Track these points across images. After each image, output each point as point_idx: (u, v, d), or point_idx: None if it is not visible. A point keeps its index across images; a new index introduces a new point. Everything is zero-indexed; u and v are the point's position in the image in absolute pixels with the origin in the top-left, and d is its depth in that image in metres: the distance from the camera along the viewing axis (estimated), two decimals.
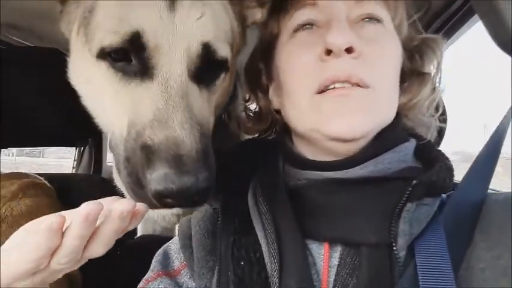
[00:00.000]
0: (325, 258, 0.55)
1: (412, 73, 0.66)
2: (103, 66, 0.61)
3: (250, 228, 0.59)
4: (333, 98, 0.56)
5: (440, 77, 0.68)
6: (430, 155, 0.60)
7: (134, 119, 0.58)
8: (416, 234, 0.52)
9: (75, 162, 1.85)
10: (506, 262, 0.47)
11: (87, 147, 1.82)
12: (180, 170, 0.51)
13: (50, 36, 1.64)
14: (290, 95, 0.62)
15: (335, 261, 0.55)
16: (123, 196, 0.73)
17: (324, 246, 0.56)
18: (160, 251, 0.73)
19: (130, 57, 0.59)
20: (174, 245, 0.72)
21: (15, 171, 1.00)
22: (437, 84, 0.68)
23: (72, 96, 1.10)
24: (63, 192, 1.05)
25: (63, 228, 0.43)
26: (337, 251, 0.55)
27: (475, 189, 0.58)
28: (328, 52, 0.56)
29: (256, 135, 0.78)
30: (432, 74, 0.67)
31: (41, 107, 1.04)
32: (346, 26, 0.57)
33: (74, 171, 1.89)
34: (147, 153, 0.53)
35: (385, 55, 0.58)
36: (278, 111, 0.70)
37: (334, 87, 0.56)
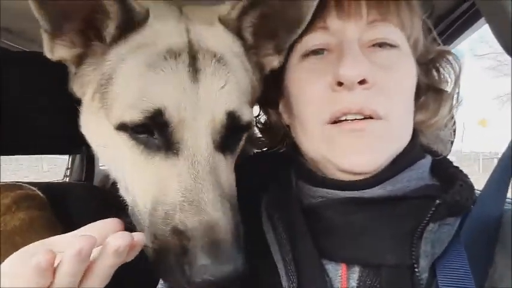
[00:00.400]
0: (343, 279, 0.53)
1: (429, 88, 0.63)
2: (123, 137, 0.57)
3: (265, 249, 0.57)
4: (347, 132, 0.54)
5: (459, 92, 0.65)
6: (446, 171, 0.59)
7: (160, 197, 0.54)
8: (438, 254, 0.50)
9: (67, 171, 1.80)
10: None
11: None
12: (219, 259, 0.49)
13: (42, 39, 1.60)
14: (301, 122, 0.61)
15: (353, 283, 0.53)
16: (119, 206, 0.70)
17: (342, 267, 0.54)
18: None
19: (153, 132, 0.56)
20: None
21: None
22: (454, 101, 0.65)
23: (66, 104, 1.07)
24: (57, 202, 1.02)
25: (55, 264, 0.39)
26: (356, 272, 0.53)
27: (492, 206, 0.56)
28: (340, 84, 0.54)
29: (265, 149, 0.75)
30: (450, 90, 0.64)
31: (36, 115, 1.01)
32: (359, 53, 0.54)
33: (66, 179, 1.84)
34: (181, 239, 0.50)
35: (398, 82, 0.56)
36: (288, 126, 0.68)
37: (346, 119, 0.54)
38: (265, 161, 0.70)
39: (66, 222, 1.00)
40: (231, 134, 0.58)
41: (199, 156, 0.54)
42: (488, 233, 0.53)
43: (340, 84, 0.53)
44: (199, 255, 0.48)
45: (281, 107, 0.68)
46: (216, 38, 0.61)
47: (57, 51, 0.61)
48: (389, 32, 0.57)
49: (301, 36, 0.61)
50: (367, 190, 0.55)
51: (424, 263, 0.49)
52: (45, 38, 0.61)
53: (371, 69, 0.53)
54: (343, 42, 0.56)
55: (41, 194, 0.94)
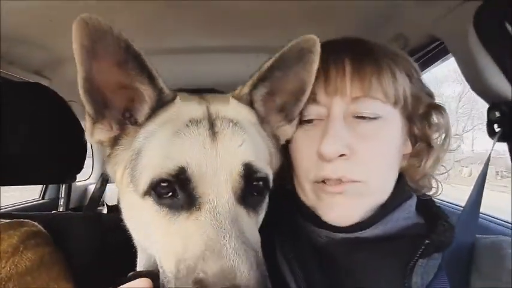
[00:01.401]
0: None
1: (422, 139, 0.72)
2: (149, 203, 0.61)
3: (283, 284, 0.64)
4: (329, 193, 0.64)
5: (449, 141, 0.73)
6: (431, 210, 0.69)
7: (183, 254, 0.55)
8: (426, 284, 0.60)
9: (61, 200, 1.77)
10: None
11: None
12: None
13: (22, 60, 1.58)
14: (297, 176, 0.71)
15: None
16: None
17: None
18: None
19: (176, 190, 0.59)
20: None
21: None
22: (447, 148, 0.73)
23: (61, 132, 1.08)
24: (55, 234, 1.03)
25: None
26: None
27: (466, 235, 0.67)
28: (322, 155, 0.63)
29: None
30: (440, 142, 0.72)
31: (31, 145, 1.02)
32: (340, 130, 0.63)
33: (61, 209, 1.81)
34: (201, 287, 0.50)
35: (378, 150, 0.65)
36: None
37: (330, 183, 0.64)
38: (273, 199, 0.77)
39: (67, 254, 1.02)
40: (250, 186, 0.61)
41: (220, 208, 0.56)
42: (465, 261, 0.63)
43: (322, 155, 0.63)
44: None
45: (290, 149, 0.76)
46: (232, 110, 0.68)
47: (97, 134, 0.67)
48: (372, 105, 0.65)
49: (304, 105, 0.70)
50: (362, 231, 0.64)
51: None
52: (87, 123, 0.67)
53: (352, 141, 0.62)
54: (330, 116, 0.65)
55: (44, 230, 0.96)
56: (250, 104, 0.71)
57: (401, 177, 0.70)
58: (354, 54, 0.68)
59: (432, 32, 1.13)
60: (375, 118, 0.65)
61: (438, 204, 0.71)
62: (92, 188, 2.64)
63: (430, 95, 0.75)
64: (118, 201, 0.74)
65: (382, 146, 0.66)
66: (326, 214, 0.65)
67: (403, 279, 0.59)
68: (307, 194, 0.69)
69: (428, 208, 0.70)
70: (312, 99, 0.68)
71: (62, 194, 2.27)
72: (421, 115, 0.72)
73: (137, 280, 0.50)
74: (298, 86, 0.69)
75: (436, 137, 0.72)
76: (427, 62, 1.34)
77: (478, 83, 0.92)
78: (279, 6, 1.21)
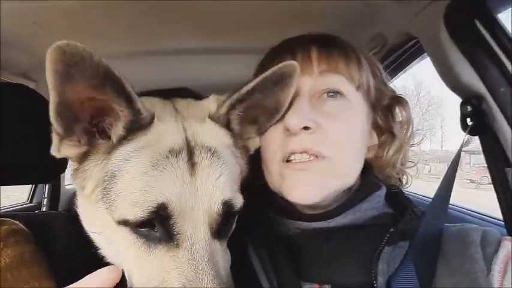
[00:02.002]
0: None
1: (386, 130, 0.75)
2: (124, 231, 0.61)
3: (254, 276, 0.66)
4: (294, 170, 0.66)
5: (412, 131, 0.76)
6: (400, 202, 0.71)
7: (161, 286, 0.56)
8: (392, 272, 0.61)
9: (45, 200, 1.77)
10: None
11: None
12: None
13: (8, 63, 1.58)
14: (264, 161, 0.72)
15: None
16: None
17: (315, 287, 0.64)
18: None
19: (155, 224, 0.59)
20: None
21: None
22: (410, 139, 0.76)
23: (44, 132, 1.09)
24: (39, 234, 1.03)
25: None
26: None
27: (434, 224, 0.69)
28: (288, 130, 0.65)
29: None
30: (403, 132, 0.75)
31: (16, 145, 1.02)
32: (306, 104, 0.65)
33: (45, 208, 1.81)
34: None
35: (342, 129, 0.67)
36: None
37: (295, 159, 0.65)
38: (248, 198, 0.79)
39: (49, 253, 1.03)
40: (225, 221, 0.62)
41: (197, 246, 0.57)
42: (433, 249, 0.65)
43: (288, 130, 0.65)
44: None
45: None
46: (209, 134, 0.67)
47: (64, 150, 0.64)
48: (338, 81, 0.68)
49: None
50: (331, 220, 0.65)
51: (381, 280, 0.59)
52: (54, 139, 0.64)
53: (317, 118, 0.64)
54: (296, 95, 0.67)
55: (25, 229, 0.96)
56: (227, 124, 0.71)
57: (369, 168, 0.72)
58: (321, 43, 0.71)
59: (408, 30, 1.16)
60: (339, 94, 0.68)
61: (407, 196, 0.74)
62: None
63: (393, 91, 0.78)
64: (75, 206, 0.74)
65: (347, 126, 0.68)
66: (290, 192, 0.66)
67: (370, 267, 0.60)
68: (274, 177, 0.70)
69: (398, 199, 0.72)
70: None
71: (45, 194, 2.27)
72: (385, 106, 0.75)
73: (105, 268, 0.50)
74: (274, 105, 0.71)
75: (399, 127, 0.75)
76: (405, 61, 1.37)
77: (450, 79, 0.95)
78: (260, 6, 1.23)
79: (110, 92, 0.58)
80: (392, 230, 0.62)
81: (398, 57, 1.36)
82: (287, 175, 0.66)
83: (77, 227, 1.18)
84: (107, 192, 0.62)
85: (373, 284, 0.60)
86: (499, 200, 0.87)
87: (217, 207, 0.60)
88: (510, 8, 0.89)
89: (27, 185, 2.29)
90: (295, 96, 0.67)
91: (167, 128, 0.65)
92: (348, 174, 0.68)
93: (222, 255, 0.62)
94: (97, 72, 0.54)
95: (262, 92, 0.69)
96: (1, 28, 1.23)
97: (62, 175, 1.94)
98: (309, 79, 0.68)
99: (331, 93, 0.68)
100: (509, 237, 0.64)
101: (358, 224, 0.66)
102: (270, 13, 1.28)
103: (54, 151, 0.65)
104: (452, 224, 0.70)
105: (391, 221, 0.65)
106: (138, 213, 0.57)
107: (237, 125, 0.73)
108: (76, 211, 0.95)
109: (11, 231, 0.90)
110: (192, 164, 0.61)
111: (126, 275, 0.63)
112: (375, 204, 0.69)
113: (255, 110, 0.72)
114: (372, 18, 1.26)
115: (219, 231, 0.62)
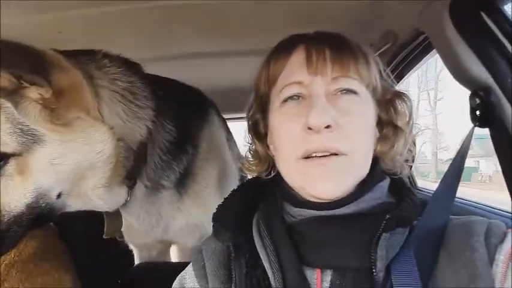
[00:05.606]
0: (318, 282, 0.66)
1: (388, 124, 0.76)
2: None
3: (258, 260, 0.68)
4: (315, 166, 0.67)
5: (412, 124, 0.78)
6: (401, 191, 0.72)
7: None
8: (391, 258, 0.62)
9: None
10: (461, 278, 0.58)
11: None
12: None
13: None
14: (281, 155, 0.73)
15: (326, 284, 0.65)
16: None
17: (317, 272, 0.67)
18: (176, 280, 0.81)
19: None
20: (188, 275, 0.79)
21: None
22: (411, 132, 0.77)
23: None
24: (60, 227, 1.09)
25: None
26: (328, 275, 0.66)
27: (438, 215, 0.69)
28: (310, 128, 0.66)
29: (257, 174, 0.86)
30: (405, 125, 0.76)
31: None
32: (325, 103, 0.67)
33: None
34: None
35: (358, 125, 0.69)
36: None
37: (316, 155, 0.67)
38: (256, 186, 0.82)
39: (71, 247, 1.09)
40: None
41: None
42: (434, 239, 0.65)
43: (310, 128, 0.66)
44: None
45: (268, 139, 0.81)
46: None
47: None
48: (350, 83, 0.70)
49: (280, 87, 0.74)
50: (337, 209, 0.67)
51: (380, 265, 0.61)
52: None
53: (335, 116, 0.66)
54: (312, 94, 0.69)
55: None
56: None
57: (376, 161, 0.73)
58: (332, 42, 0.73)
59: (417, 25, 1.16)
60: (354, 93, 0.70)
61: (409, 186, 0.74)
62: None
63: (393, 87, 0.81)
64: None
65: (362, 121, 0.70)
66: (312, 187, 0.67)
67: (369, 253, 0.62)
68: (292, 173, 0.71)
69: (400, 188, 0.73)
70: (295, 81, 0.71)
71: None
72: (388, 101, 0.77)
73: None
74: None
75: (401, 120, 0.76)
76: (416, 57, 1.36)
77: (458, 72, 0.95)
78: (269, 8, 1.27)
79: None
80: (388, 216, 0.63)
81: (411, 53, 1.36)
82: (308, 171, 0.67)
83: (97, 223, 1.25)
84: None
85: (372, 269, 0.61)
86: (510, 191, 0.85)
87: None
88: None
89: None
90: (313, 95, 0.69)
91: None
92: (364, 167, 0.70)
93: None
94: None
95: None
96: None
97: None
98: (322, 81, 0.70)
99: (344, 91, 0.70)
100: None
101: (360, 213, 0.67)
102: (280, 15, 1.31)
103: None
104: (458, 217, 0.70)
105: (391, 209, 0.66)
106: None
107: None
108: None
109: None
110: None
111: None
112: (378, 194, 0.70)
113: None
114: (381, 16, 1.27)
115: None
